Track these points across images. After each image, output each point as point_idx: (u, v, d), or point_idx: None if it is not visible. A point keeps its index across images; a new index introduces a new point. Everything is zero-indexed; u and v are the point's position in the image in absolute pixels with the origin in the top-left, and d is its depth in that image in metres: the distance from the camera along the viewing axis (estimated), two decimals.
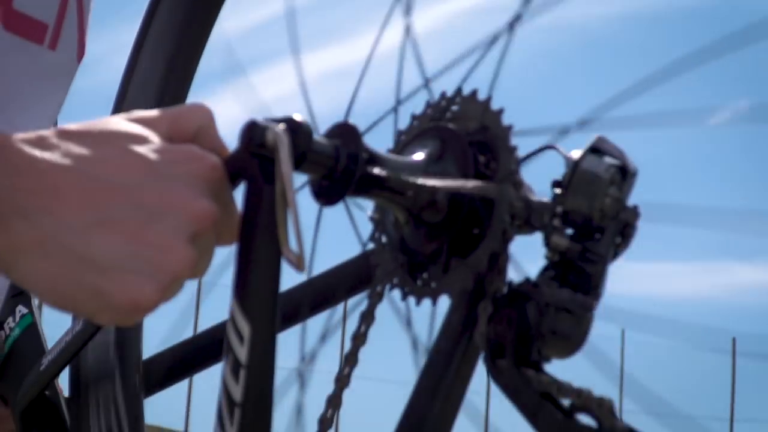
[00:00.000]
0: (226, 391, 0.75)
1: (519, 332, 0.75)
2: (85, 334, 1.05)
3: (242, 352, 0.74)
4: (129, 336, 1.11)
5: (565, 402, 0.72)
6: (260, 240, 0.73)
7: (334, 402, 0.88)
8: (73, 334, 1.06)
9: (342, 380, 0.88)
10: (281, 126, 0.73)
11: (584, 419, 0.70)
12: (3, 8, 0.89)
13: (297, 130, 0.73)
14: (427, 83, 0.84)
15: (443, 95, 0.82)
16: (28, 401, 1.14)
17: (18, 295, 1.26)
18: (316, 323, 0.93)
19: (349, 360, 0.87)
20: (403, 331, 0.84)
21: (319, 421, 0.88)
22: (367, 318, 0.87)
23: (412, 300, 0.82)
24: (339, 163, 0.75)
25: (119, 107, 1.06)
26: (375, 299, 0.86)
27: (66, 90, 1.00)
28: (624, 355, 14.86)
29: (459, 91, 0.81)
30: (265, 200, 0.73)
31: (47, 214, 0.69)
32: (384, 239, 0.84)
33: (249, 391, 0.74)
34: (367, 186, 0.76)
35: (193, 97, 1.09)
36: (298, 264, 0.72)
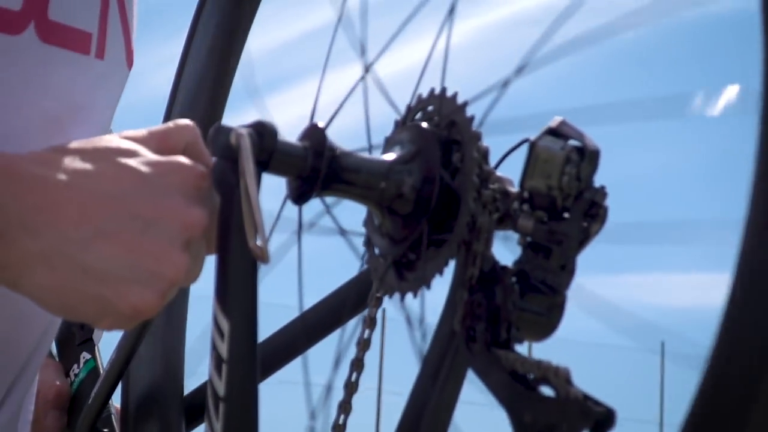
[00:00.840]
0: (212, 388, 0.78)
1: (488, 315, 0.76)
2: (120, 360, 1.10)
3: (223, 348, 0.77)
4: (171, 370, 1.15)
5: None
6: (232, 239, 0.77)
7: (344, 408, 0.90)
8: (109, 362, 1.12)
9: (351, 386, 0.90)
10: (244, 128, 0.77)
11: (546, 390, 0.71)
12: (36, 19, 0.87)
13: (262, 132, 0.77)
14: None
15: (419, 97, 0.85)
16: None
17: (83, 344, 1.32)
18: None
19: (356, 366, 0.89)
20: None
21: (332, 428, 0.90)
22: (369, 323, 0.89)
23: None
24: (306, 162, 0.78)
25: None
26: (374, 302, 0.88)
27: (118, 99, 1.01)
28: (664, 368, 14.39)
29: (432, 91, 0.84)
30: (235, 200, 0.76)
31: (50, 228, 0.74)
32: (376, 248, 0.87)
33: (231, 385, 0.77)
34: (333, 182, 0.79)
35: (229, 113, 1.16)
36: (262, 257, 0.75)
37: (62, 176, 0.75)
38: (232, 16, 1.14)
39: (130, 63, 1.01)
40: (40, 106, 0.88)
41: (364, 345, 0.89)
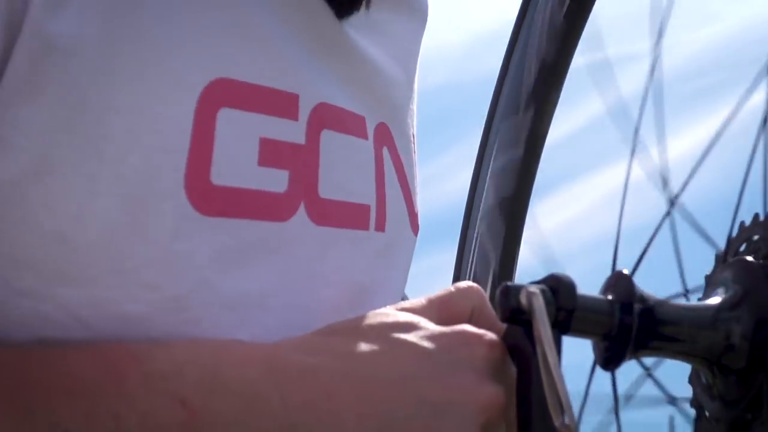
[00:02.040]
0: None
1: None
2: None
3: None
4: None
5: None
6: (534, 416, 0.66)
7: None
8: None
9: None
10: (536, 286, 0.66)
11: None
12: (306, 200, 0.75)
13: (556, 287, 0.66)
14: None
15: (741, 226, 0.72)
16: None
17: None
18: None
19: None
20: None
21: None
22: None
23: None
24: (614, 319, 0.67)
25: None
26: None
27: (406, 271, 0.88)
28: None
29: (755, 217, 0.71)
30: (533, 370, 0.65)
31: (328, 429, 0.65)
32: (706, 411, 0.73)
33: None
34: (649, 339, 0.67)
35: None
36: None
37: (334, 362, 0.66)
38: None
39: (415, 228, 0.89)
40: (318, 296, 0.76)
41: None
